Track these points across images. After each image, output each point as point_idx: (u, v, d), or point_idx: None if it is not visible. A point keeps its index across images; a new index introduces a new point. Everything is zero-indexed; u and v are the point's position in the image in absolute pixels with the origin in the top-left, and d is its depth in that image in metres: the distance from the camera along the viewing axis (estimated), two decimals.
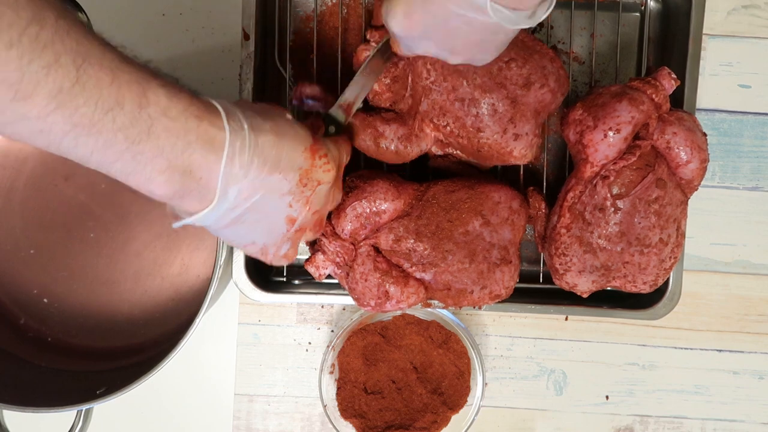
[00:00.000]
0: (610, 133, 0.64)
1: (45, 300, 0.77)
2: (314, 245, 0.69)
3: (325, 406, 0.76)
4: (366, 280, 0.66)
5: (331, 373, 0.77)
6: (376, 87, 0.67)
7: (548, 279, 0.74)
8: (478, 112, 0.66)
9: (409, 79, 0.67)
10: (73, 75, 0.40)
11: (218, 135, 0.48)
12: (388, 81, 0.67)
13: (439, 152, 0.71)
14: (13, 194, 0.76)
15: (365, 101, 0.69)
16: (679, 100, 0.72)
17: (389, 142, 0.68)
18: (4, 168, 0.76)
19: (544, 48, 0.68)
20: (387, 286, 0.65)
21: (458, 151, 0.70)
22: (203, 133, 0.47)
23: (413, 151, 0.69)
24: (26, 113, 0.40)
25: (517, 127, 0.67)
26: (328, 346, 0.76)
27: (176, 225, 0.51)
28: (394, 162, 0.69)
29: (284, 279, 0.78)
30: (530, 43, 0.68)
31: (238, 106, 0.51)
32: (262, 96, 0.76)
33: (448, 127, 0.68)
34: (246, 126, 0.50)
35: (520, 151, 0.68)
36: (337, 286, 0.76)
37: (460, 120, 0.67)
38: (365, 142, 0.67)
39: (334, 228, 0.67)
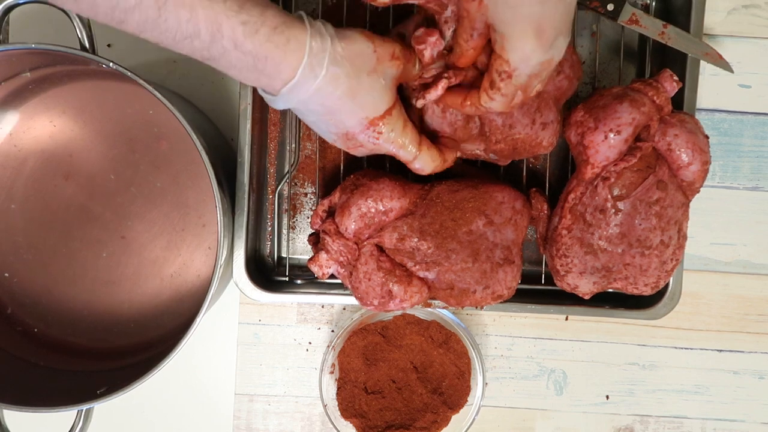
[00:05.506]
0: (611, 135, 0.64)
1: (44, 300, 0.77)
2: (317, 244, 0.69)
3: (325, 406, 0.76)
4: (369, 279, 0.66)
5: (332, 372, 0.77)
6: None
7: (550, 280, 0.75)
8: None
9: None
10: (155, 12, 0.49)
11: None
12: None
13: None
14: (13, 194, 0.76)
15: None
16: (679, 100, 0.72)
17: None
18: (4, 168, 0.75)
19: None
20: (390, 285, 0.65)
21: (495, 157, 0.70)
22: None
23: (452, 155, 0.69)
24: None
25: (543, 116, 0.67)
26: (328, 346, 0.76)
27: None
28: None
29: (285, 279, 0.78)
30: None
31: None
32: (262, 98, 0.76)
33: (486, 134, 0.68)
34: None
35: (548, 140, 0.68)
36: (338, 286, 0.76)
37: (494, 122, 0.67)
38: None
39: (337, 227, 0.66)
